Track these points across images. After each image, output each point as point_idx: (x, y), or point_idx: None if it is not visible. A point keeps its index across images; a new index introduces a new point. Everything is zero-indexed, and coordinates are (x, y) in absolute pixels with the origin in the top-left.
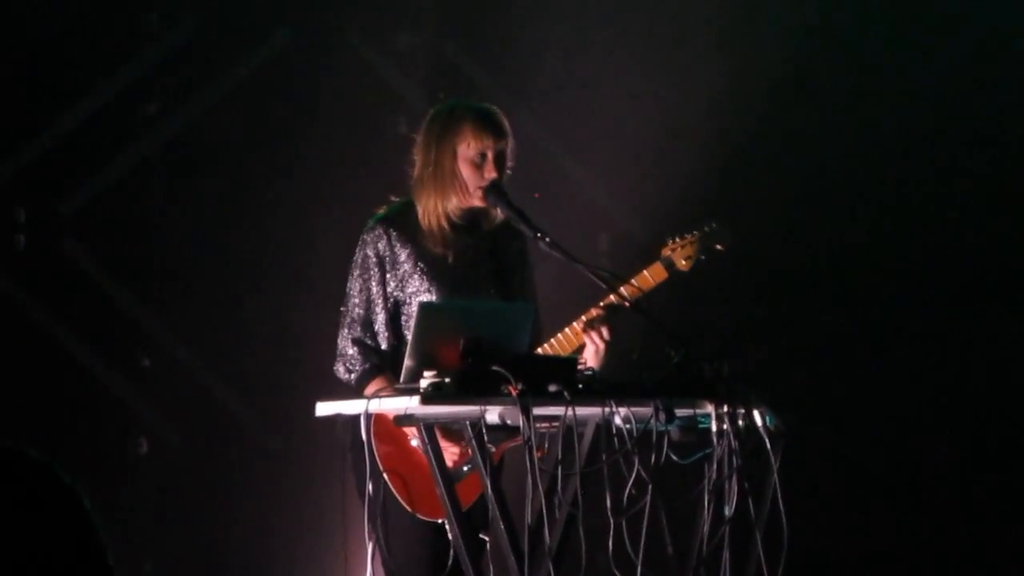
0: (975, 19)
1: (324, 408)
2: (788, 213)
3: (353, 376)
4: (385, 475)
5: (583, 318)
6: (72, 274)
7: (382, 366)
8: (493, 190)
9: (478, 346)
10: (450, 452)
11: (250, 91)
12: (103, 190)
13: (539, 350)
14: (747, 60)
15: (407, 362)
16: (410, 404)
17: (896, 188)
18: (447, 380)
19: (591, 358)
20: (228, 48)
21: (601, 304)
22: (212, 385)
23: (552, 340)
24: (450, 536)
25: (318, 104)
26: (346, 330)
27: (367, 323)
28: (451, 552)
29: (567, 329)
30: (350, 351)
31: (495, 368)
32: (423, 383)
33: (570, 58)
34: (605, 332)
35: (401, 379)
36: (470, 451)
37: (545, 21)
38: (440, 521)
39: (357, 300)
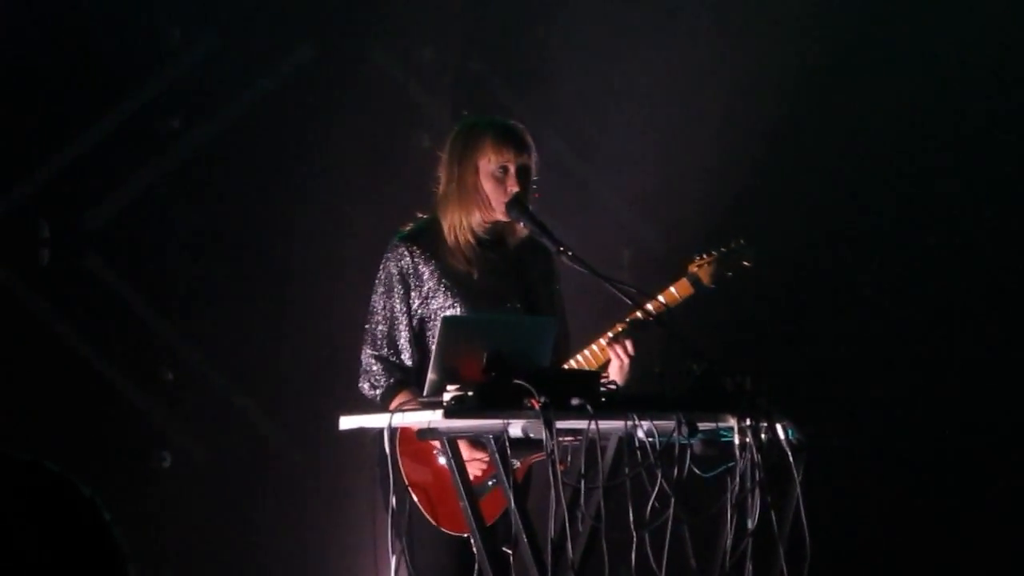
0: (985, 20)
1: (347, 422)
2: (811, 225)
3: (378, 392)
4: (410, 489)
5: (609, 334)
6: (95, 288)
7: (406, 381)
8: (515, 205)
9: (500, 359)
10: (477, 461)
11: (273, 106)
12: (127, 204)
13: (565, 366)
14: (771, 74)
15: (430, 375)
16: (433, 418)
17: (916, 188)
18: (470, 393)
19: (615, 373)
20: (251, 63)
21: (626, 319)
22: (236, 399)
23: (578, 356)
24: (474, 550)
25: (342, 119)
26: (369, 347)
27: (391, 340)
28: (476, 566)
29: (593, 345)
30: (374, 367)
31: (518, 381)
32: (446, 396)
33: (594, 73)
34: (630, 347)
35: (424, 392)
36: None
37: (569, 37)
38: (466, 535)
39: (380, 317)
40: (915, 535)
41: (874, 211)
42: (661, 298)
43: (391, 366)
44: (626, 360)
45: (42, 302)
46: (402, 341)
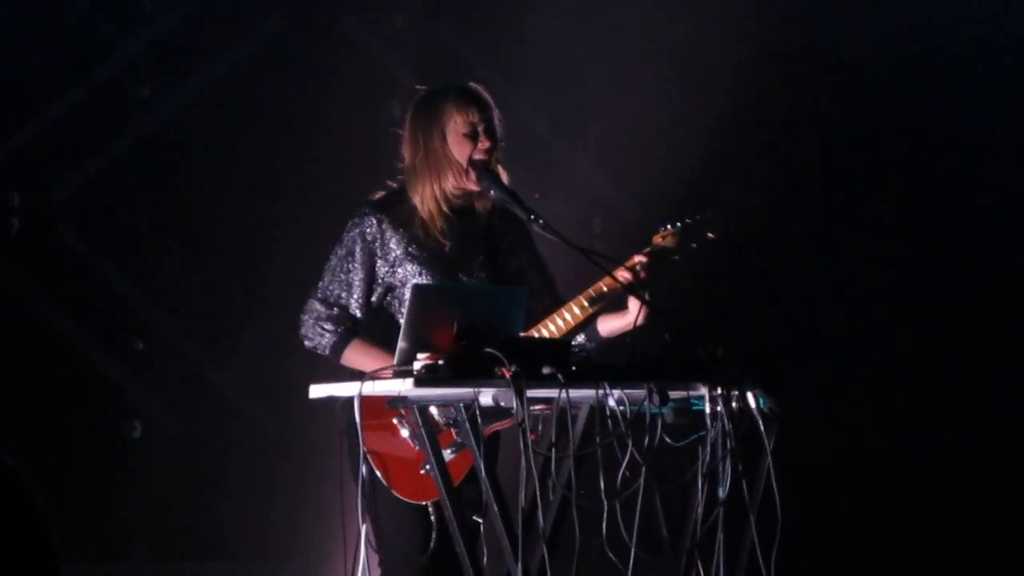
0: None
1: (317, 390)
2: (785, 197)
3: (326, 338)
4: (369, 457)
5: (583, 301)
6: (65, 258)
7: (356, 330)
8: (486, 173)
9: (472, 328)
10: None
11: (243, 75)
12: (96, 174)
13: (543, 330)
14: (745, 40)
15: (400, 344)
16: (403, 387)
17: (885, 160)
18: (440, 362)
19: (640, 317)
20: (221, 32)
21: (599, 288)
22: (206, 368)
23: (550, 323)
24: (445, 517)
25: (312, 88)
26: (317, 301)
27: (338, 300)
28: (433, 534)
29: (565, 313)
30: (323, 314)
31: (489, 350)
32: (416, 365)
33: (563, 40)
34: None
35: (395, 360)
36: (453, 434)
37: (541, 5)
38: (424, 503)
39: (335, 278)
40: (885, 505)
41: (848, 182)
42: (626, 267)
43: (342, 315)
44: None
45: (12, 271)
46: (352, 303)
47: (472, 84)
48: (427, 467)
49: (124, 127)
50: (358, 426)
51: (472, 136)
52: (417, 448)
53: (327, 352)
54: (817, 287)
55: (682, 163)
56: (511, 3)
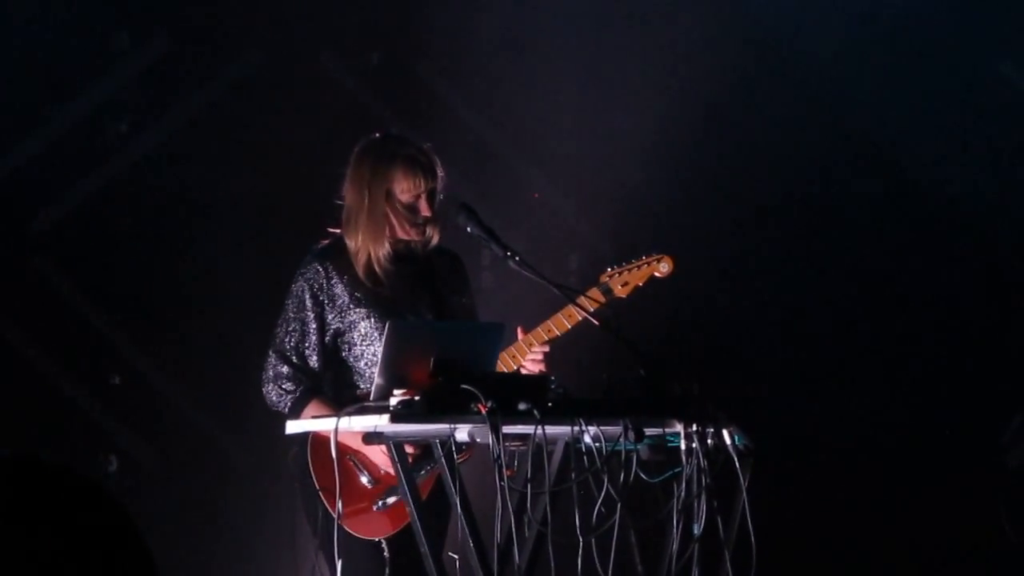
0: (963, 27)
1: (294, 426)
2: (756, 234)
3: (288, 398)
4: (321, 494)
5: (512, 349)
6: (43, 290)
7: (317, 388)
8: (465, 210)
9: (448, 364)
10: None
11: (222, 110)
12: (75, 207)
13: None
14: (718, 79)
15: (377, 380)
16: (379, 422)
17: (852, 187)
18: (417, 398)
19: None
20: (200, 67)
21: (566, 323)
22: (182, 403)
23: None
24: (407, 553)
25: (290, 123)
26: (276, 356)
27: (298, 351)
28: (387, 570)
29: (519, 340)
30: (284, 372)
31: (465, 386)
32: (392, 401)
33: (543, 78)
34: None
35: (371, 396)
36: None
37: (517, 42)
38: (376, 540)
39: (291, 327)
40: (861, 540)
41: (822, 211)
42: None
43: (300, 373)
44: (536, 370)
45: None
46: (310, 352)
47: (422, 148)
48: (379, 504)
49: (102, 161)
50: (334, 462)
51: (415, 204)
52: (368, 484)
53: (286, 411)
54: (793, 320)
55: (663, 199)
56: (490, 41)
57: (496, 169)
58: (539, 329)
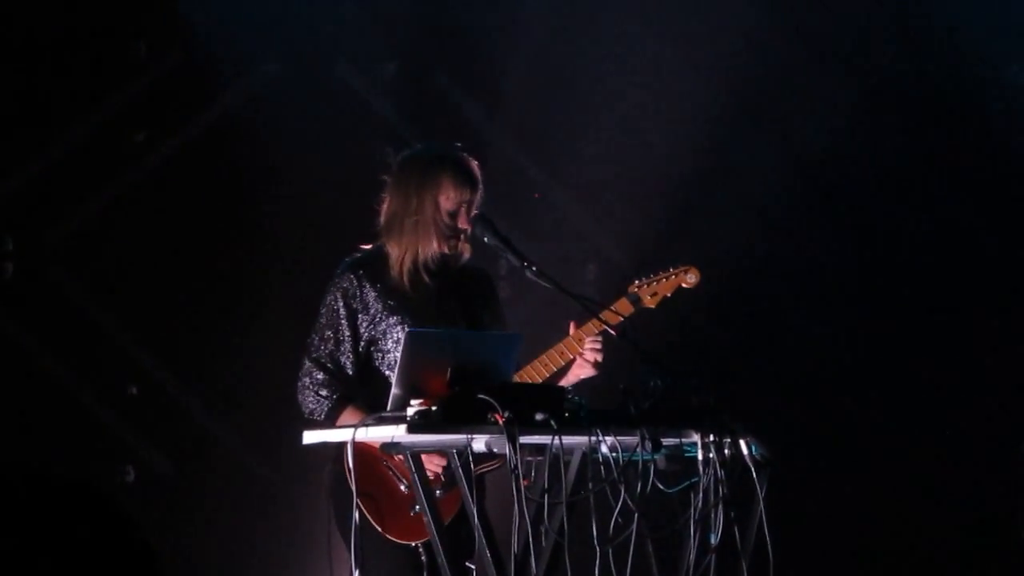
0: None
1: (311, 436)
2: (777, 246)
3: (324, 405)
4: (360, 500)
5: (562, 346)
6: (59, 302)
7: (351, 396)
8: (482, 221)
9: (465, 374)
10: (434, 463)
11: (238, 121)
12: (91, 218)
13: (515, 376)
14: (733, 95)
15: (394, 390)
16: (396, 432)
17: (867, 200)
18: (434, 408)
19: (579, 369)
20: (217, 78)
21: (596, 333)
22: (200, 413)
23: (528, 367)
24: (436, 560)
25: (306, 134)
26: (312, 364)
27: (334, 359)
28: (424, 574)
29: (544, 355)
30: (320, 378)
31: (482, 396)
32: (410, 411)
33: (561, 90)
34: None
35: (388, 407)
36: (442, 476)
37: (533, 50)
38: (413, 544)
39: (325, 335)
40: (879, 550)
41: (832, 223)
42: (601, 316)
43: (336, 380)
44: (593, 360)
45: (5, 315)
46: (345, 360)
47: (470, 160)
48: (417, 507)
49: (118, 172)
50: (350, 471)
51: (458, 213)
52: (405, 491)
53: (322, 419)
54: (810, 332)
55: (681, 210)
56: (507, 50)
57: (511, 179)
58: (589, 324)
